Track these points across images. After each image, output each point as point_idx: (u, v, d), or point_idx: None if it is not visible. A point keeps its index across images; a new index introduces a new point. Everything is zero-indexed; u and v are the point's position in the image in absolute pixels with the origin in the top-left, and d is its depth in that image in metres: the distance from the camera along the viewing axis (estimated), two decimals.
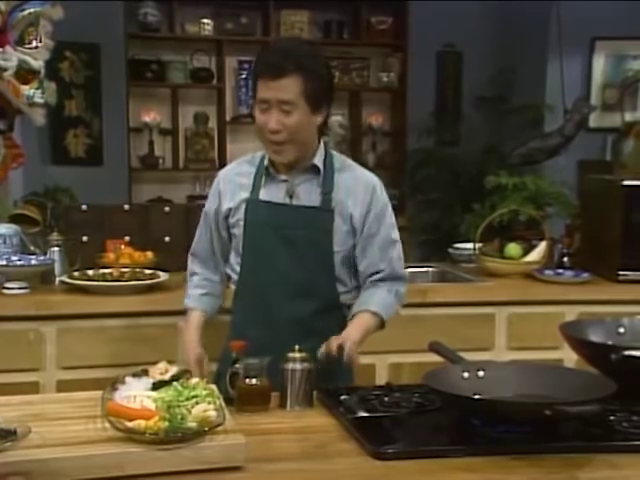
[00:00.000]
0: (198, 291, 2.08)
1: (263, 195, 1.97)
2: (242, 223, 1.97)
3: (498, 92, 5.11)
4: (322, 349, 1.84)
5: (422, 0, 5.11)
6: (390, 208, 2.04)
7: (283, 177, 1.97)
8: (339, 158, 2.01)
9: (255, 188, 1.97)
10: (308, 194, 1.95)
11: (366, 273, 1.99)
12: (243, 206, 1.97)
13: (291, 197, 1.96)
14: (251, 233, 1.97)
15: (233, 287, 2.05)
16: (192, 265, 2.11)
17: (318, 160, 1.96)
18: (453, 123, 5.32)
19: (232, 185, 2.01)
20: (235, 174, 2.02)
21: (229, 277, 2.07)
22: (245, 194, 1.98)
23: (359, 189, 1.98)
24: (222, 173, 2.07)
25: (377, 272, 1.99)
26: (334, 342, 1.84)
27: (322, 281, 1.96)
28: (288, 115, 1.86)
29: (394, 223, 2.03)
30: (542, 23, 4.91)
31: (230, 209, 1.99)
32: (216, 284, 2.09)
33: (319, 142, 1.98)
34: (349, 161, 2.05)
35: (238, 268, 2.01)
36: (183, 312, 2.12)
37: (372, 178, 2.03)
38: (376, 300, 1.97)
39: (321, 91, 1.90)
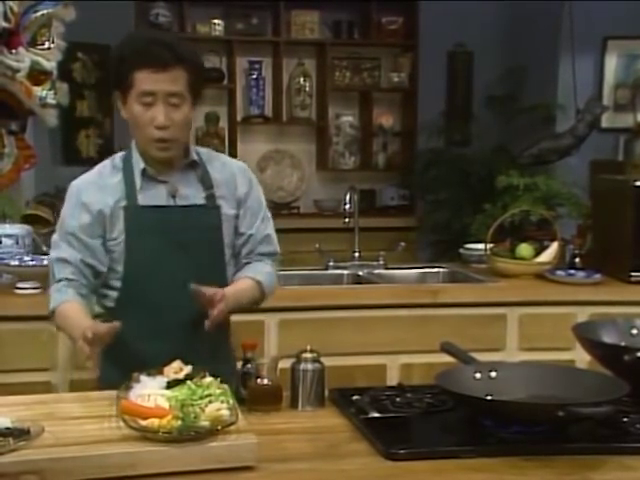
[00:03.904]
0: (73, 290, 1.81)
1: (142, 200, 1.84)
2: (122, 235, 1.82)
3: (509, 92, 5.10)
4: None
5: (432, 0, 5.10)
6: (261, 189, 2.01)
7: (161, 178, 1.86)
8: (203, 151, 1.96)
9: (130, 194, 1.83)
10: (191, 192, 1.88)
11: (248, 251, 1.94)
12: (120, 216, 1.83)
13: (174, 197, 1.86)
14: (134, 242, 1.83)
15: (110, 304, 1.88)
16: (61, 272, 1.83)
17: (194, 155, 1.90)
18: (464, 123, 5.31)
19: (98, 196, 1.83)
20: (98, 183, 1.85)
21: (103, 296, 1.90)
22: (119, 203, 1.83)
23: (236, 174, 1.93)
24: (79, 184, 1.87)
25: (260, 251, 1.95)
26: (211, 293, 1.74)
27: (215, 281, 1.84)
28: (176, 109, 1.78)
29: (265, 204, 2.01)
30: (554, 22, 4.89)
31: (104, 222, 1.82)
32: (89, 297, 1.85)
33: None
34: (212, 152, 2.00)
35: (118, 283, 1.86)
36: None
37: (240, 163, 2.00)
38: (261, 272, 1.92)
39: (201, 82, 1.86)
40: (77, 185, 1.88)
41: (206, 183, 1.89)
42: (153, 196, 1.85)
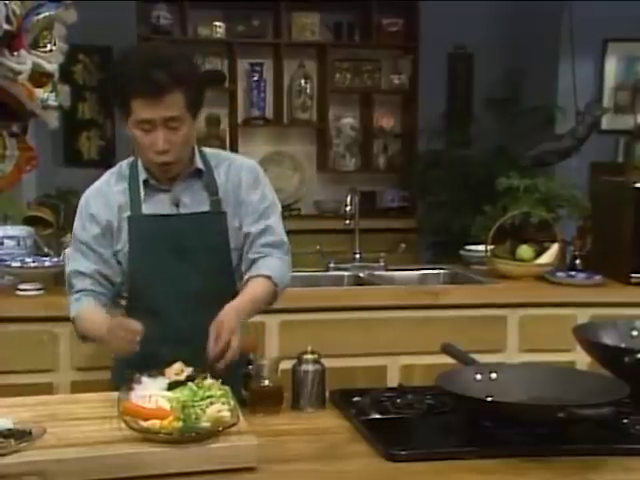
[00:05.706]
0: (91, 298, 1.83)
1: (146, 209, 1.84)
2: (127, 246, 1.83)
3: (509, 94, 5.10)
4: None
5: (433, 1, 5.11)
6: (271, 187, 1.95)
7: (164, 187, 1.86)
8: (212, 154, 1.93)
9: (134, 204, 1.84)
10: (194, 199, 1.86)
11: (249, 246, 1.87)
12: (125, 226, 1.84)
13: (177, 206, 1.85)
14: (139, 251, 1.83)
15: (122, 312, 1.90)
16: (79, 283, 1.85)
17: (199, 163, 1.88)
18: (464, 125, 5.31)
19: (105, 207, 1.85)
20: (105, 193, 1.87)
21: (116, 305, 1.91)
22: (124, 213, 1.84)
23: (241, 178, 1.89)
24: (88, 195, 1.89)
25: (262, 243, 1.88)
26: (214, 349, 1.67)
27: (223, 285, 1.85)
28: (175, 131, 1.76)
29: (277, 202, 1.95)
30: (554, 24, 4.90)
31: (112, 233, 1.84)
32: (108, 305, 1.87)
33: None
34: (222, 153, 1.97)
35: (125, 293, 1.89)
36: None
37: (250, 162, 1.96)
38: (267, 265, 1.84)
39: (200, 97, 1.81)
40: (86, 197, 1.90)
41: (211, 189, 1.87)
42: (156, 205, 1.85)
